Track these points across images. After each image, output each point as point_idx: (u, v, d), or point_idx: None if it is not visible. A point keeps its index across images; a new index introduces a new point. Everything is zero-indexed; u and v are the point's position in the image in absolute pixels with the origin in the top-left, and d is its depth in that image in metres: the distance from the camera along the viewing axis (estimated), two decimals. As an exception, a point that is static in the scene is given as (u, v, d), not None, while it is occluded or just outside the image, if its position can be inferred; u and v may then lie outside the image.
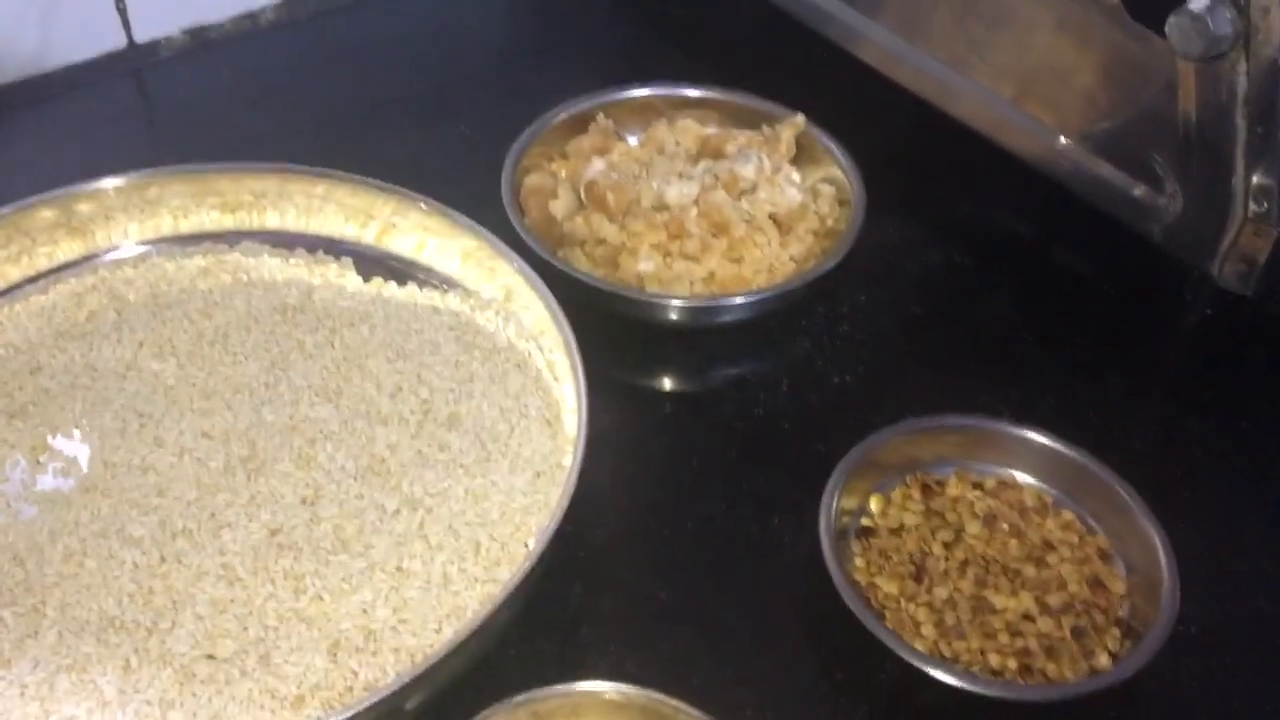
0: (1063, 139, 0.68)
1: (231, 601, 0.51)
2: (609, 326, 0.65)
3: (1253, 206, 0.61)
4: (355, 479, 0.56)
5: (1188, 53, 0.56)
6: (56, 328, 0.62)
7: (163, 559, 0.52)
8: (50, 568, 0.52)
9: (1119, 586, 0.55)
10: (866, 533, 0.57)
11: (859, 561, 0.56)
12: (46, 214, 0.64)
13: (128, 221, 0.66)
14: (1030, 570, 0.55)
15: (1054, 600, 0.54)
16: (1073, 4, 0.65)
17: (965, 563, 0.56)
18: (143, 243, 0.67)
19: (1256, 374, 0.67)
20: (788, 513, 0.58)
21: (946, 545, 0.57)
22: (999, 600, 0.54)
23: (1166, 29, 0.56)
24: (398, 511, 0.55)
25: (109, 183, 0.65)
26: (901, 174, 0.75)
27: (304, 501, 0.55)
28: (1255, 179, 0.60)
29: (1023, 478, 0.59)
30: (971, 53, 0.72)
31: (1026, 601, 0.54)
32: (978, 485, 0.59)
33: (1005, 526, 0.57)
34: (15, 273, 0.64)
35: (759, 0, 0.82)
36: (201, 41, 0.84)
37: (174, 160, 0.67)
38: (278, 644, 0.50)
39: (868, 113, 0.76)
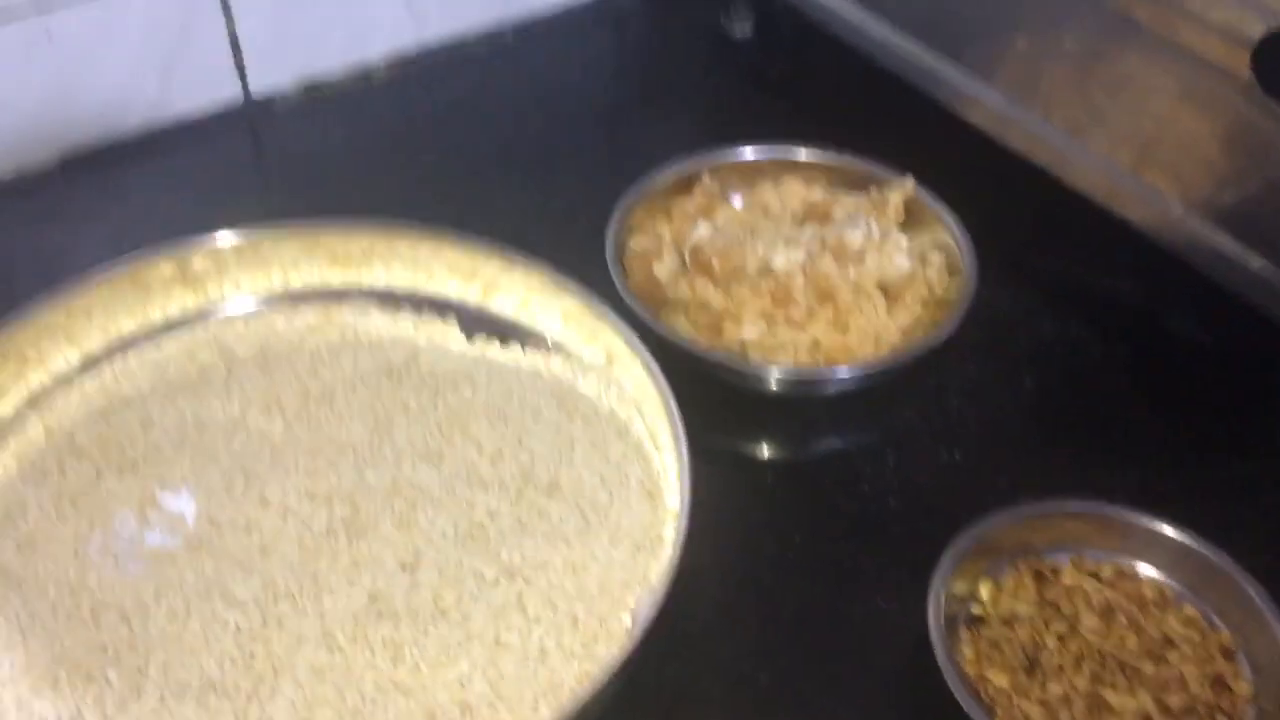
0: (1182, 208, 0.66)
1: (330, 669, 0.51)
2: (710, 394, 0.64)
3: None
4: (455, 545, 0.56)
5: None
6: (168, 382, 0.63)
7: (264, 622, 0.52)
8: (155, 626, 0.52)
9: (1245, 689, 0.53)
10: (976, 621, 0.55)
11: (968, 651, 0.54)
12: (163, 268, 0.65)
13: (240, 275, 0.67)
14: (1149, 668, 0.53)
15: (1174, 701, 0.52)
16: (1199, 72, 0.63)
17: (1080, 657, 0.53)
18: (253, 297, 0.67)
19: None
20: (894, 597, 0.57)
21: (1060, 638, 0.54)
22: (1115, 699, 0.52)
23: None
24: (496, 581, 0.54)
25: (224, 238, 0.66)
26: (1014, 242, 0.73)
27: (404, 567, 0.55)
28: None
29: (1142, 568, 0.57)
30: (1089, 119, 0.70)
31: (1145, 701, 0.52)
32: (1094, 574, 0.57)
33: (1123, 620, 0.55)
34: (130, 325, 0.65)
35: (866, 61, 0.81)
36: (315, 96, 0.86)
37: (286, 214, 0.68)
38: (375, 715, 0.49)
39: (978, 178, 0.74)
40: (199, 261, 0.66)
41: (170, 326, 0.66)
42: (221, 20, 0.80)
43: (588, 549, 0.56)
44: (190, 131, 0.82)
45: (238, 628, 0.52)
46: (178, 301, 0.66)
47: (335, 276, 0.68)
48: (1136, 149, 0.68)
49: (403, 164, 0.81)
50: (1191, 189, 0.66)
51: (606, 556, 0.56)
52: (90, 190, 0.78)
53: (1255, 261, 0.64)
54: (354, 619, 0.52)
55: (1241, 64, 0.60)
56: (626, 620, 0.53)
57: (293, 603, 0.53)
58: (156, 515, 0.57)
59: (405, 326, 0.67)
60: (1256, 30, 0.60)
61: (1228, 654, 0.54)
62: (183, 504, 0.58)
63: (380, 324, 0.67)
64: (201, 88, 0.82)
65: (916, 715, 0.53)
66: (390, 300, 0.68)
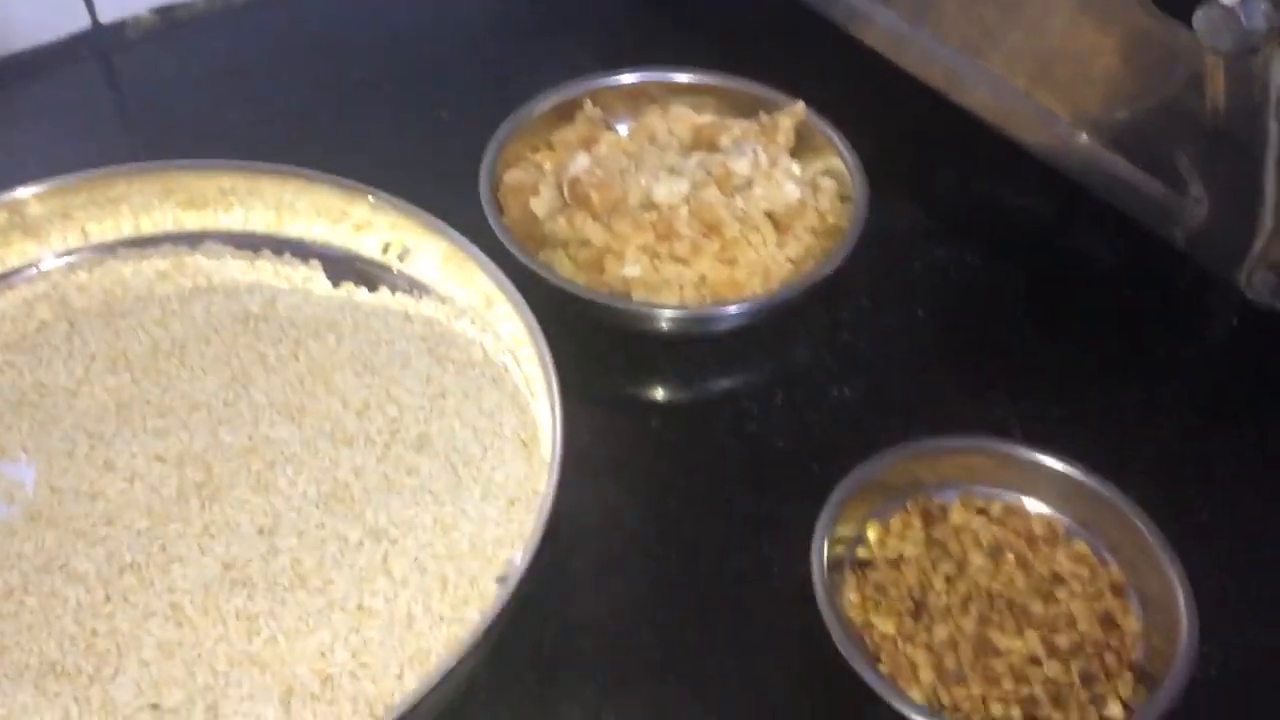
0: (1078, 132, 0.64)
1: (180, 644, 0.48)
2: (592, 335, 0.61)
3: (1284, 212, 0.57)
4: (316, 506, 0.53)
5: (1217, 47, 0.52)
6: (5, 340, 0.58)
7: (108, 597, 0.49)
8: (-13, 607, 0.49)
9: (1134, 625, 0.52)
10: (863, 565, 0.54)
11: (854, 597, 0.52)
12: (-4, 216, 0.60)
13: (86, 221, 0.62)
14: (1038, 607, 0.52)
15: (1063, 641, 0.51)
16: (1093, -13, 0.61)
17: (968, 598, 0.52)
18: (100, 244, 0.63)
19: (1284, 390, 0.63)
20: (780, 540, 0.55)
21: (948, 579, 0.53)
22: (1003, 641, 0.51)
23: (1194, 21, 0.52)
24: (360, 543, 0.51)
25: (63, 181, 0.61)
26: (907, 167, 0.71)
27: (261, 532, 0.51)
28: (1287, 183, 0.56)
29: (1031, 504, 0.56)
30: (983, 39, 0.67)
31: (1033, 642, 0.50)
32: (983, 511, 0.55)
33: (1011, 558, 0.53)
34: (-39, 279, 0.60)
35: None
36: (171, 21, 0.80)
37: (141, 150, 0.64)
38: (227, 692, 0.47)
39: (872, 101, 0.71)
40: (37, 207, 0.61)
41: (6, 278, 0.61)
42: (60, -60, 0.74)
43: (459, 506, 0.53)
44: (33, 64, 0.76)
45: (79, 604, 0.49)
46: (16, 250, 0.61)
47: (190, 220, 0.64)
48: (1031, 69, 0.66)
49: (266, 95, 0.76)
50: (1086, 110, 0.64)
51: (479, 513, 0.53)
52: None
53: (1151, 185, 0.62)
54: (205, 589, 0.49)
55: (1134, -23, 0.58)
56: (500, 581, 0.51)
57: (139, 574, 0.50)
58: (-8, 484, 0.53)
59: (264, 271, 0.63)
60: (1150, -59, 0.57)
61: (1117, 590, 0.53)
62: (20, 471, 0.54)
63: (238, 269, 0.62)
64: (44, 15, 0.76)
65: (804, 665, 0.52)
66: (249, 244, 0.63)
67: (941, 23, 0.69)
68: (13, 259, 0.61)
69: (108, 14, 0.78)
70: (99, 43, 0.78)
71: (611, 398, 0.63)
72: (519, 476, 0.54)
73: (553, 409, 0.52)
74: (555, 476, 0.50)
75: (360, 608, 0.49)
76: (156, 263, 0.62)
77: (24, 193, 0.60)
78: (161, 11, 0.80)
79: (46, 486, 0.53)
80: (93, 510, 0.52)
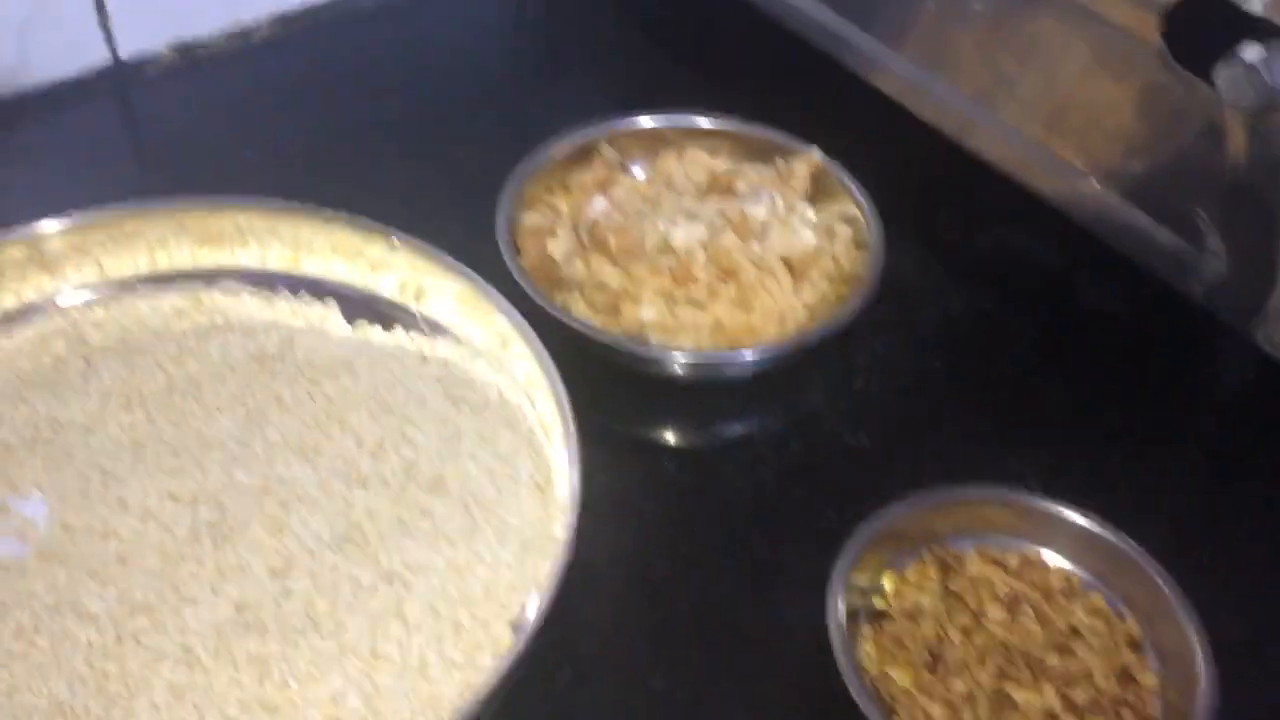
0: (1093, 182, 0.64)
1: (191, 687, 0.47)
2: (608, 378, 0.61)
3: (1302, 268, 0.57)
4: (330, 548, 0.52)
5: (1238, 104, 0.52)
6: (20, 375, 0.58)
7: (119, 638, 0.49)
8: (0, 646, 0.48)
9: (1151, 681, 0.51)
10: (879, 616, 0.53)
11: (870, 648, 0.52)
12: (13, 251, 0.60)
13: (102, 257, 0.63)
14: (1055, 661, 0.51)
15: (1080, 695, 0.50)
16: (1109, 39, 0.61)
17: (985, 651, 0.52)
18: (117, 281, 0.63)
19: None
20: (795, 590, 0.54)
21: (965, 631, 0.52)
22: (1021, 695, 0.50)
23: (1215, 78, 0.52)
24: (374, 587, 0.51)
25: (83, 217, 0.61)
26: (923, 214, 0.71)
27: (273, 573, 0.51)
28: (1307, 239, 0.56)
29: (1049, 556, 0.55)
30: (999, 87, 0.67)
31: (1050, 697, 0.50)
32: (999, 563, 0.55)
33: (1029, 611, 0.53)
34: (-22, 313, 0.60)
35: (774, 26, 0.78)
36: (190, 59, 0.80)
37: (159, 186, 0.64)
38: (238, 738, 0.46)
39: (888, 148, 0.71)
40: (55, 243, 0.61)
41: (24, 314, 0.61)
42: (82, -25, 0.74)
43: (473, 550, 0.52)
44: (53, 98, 0.76)
45: (89, 644, 0.48)
46: (32, 285, 0.61)
47: (206, 257, 0.64)
48: (1046, 118, 0.66)
49: (284, 133, 0.77)
50: (1101, 160, 0.64)
51: (493, 557, 0.52)
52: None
53: (1168, 237, 0.62)
54: (217, 632, 0.49)
55: (1153, 31, 0.58)
56: (513, 626, 0.50)
57: (151, 615, 0.49)
58: (5, 521, 0.53)
59: (281, 310, 0.62)
60: (1168, -4, 0.58)
61: (1134, 645, 0.52)
62: (34, 509, 0.53)
63: (253, 307, 0.62)
64: (65, 51, 0.76)
65: (819, 717, 0.51)
66: (265, 282, 0.63)
67: (957, 72, 0.69)
68: (30, 294, 0.61)
69: (128, 50, 0.78)
70: (119, 79, 0.78)
71: (626, 441, 0.62)
72: (533, 520, 0.54)
73: (568, 452, 0.52)
74: (571, 523, 0.49)
75: (373, 653, 0.49)
76: (173, 300, 0.62)
77: (42, 228, 0.60)
78: (181, 49, 0.80)
79: (59, 524, 0.53)
80: (105, 549, 0.52)
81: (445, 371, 0.60)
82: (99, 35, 0.77)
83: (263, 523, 0.53)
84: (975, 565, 0.55)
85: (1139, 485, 0.60)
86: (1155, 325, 0.66)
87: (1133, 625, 0.53)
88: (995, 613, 0.53)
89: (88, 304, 0.62)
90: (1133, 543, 0.53)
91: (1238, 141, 0.55)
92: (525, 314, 0.58)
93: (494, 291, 0.59)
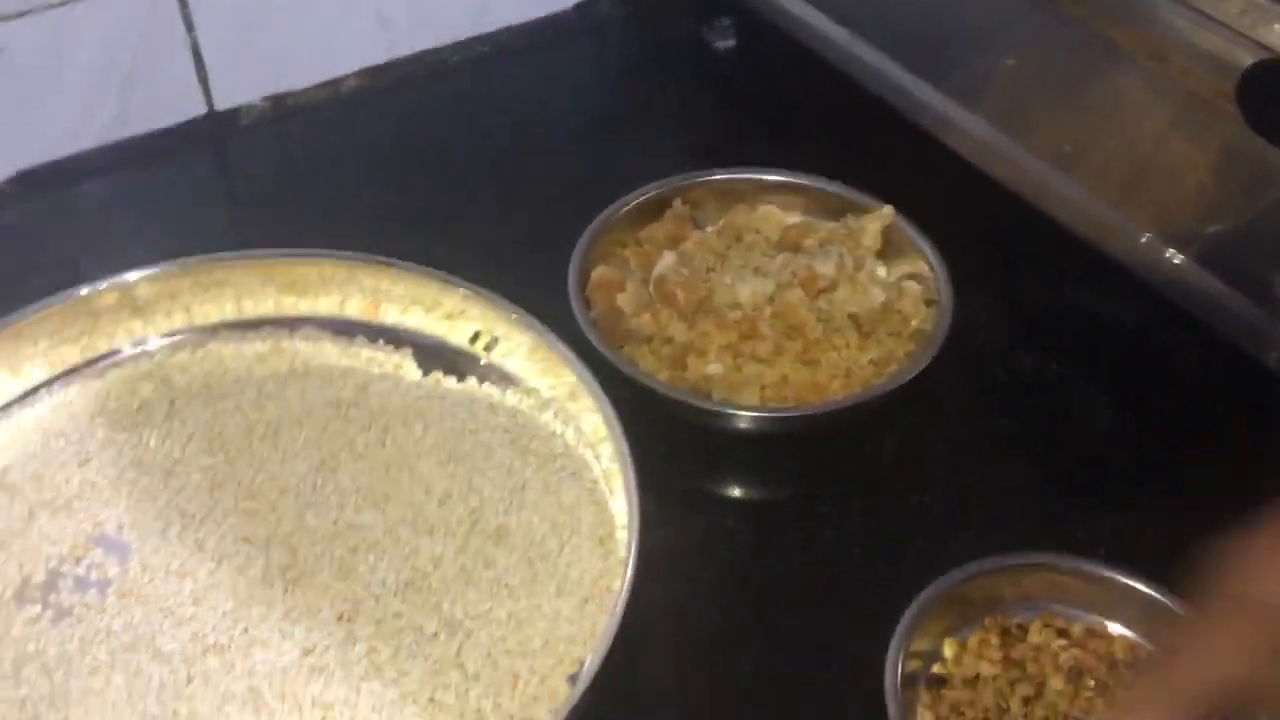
0: (1167, 247, 0.63)
1: (256, 729, 0.49)
2: (672, 431, 0.62)
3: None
4: (395, 595, 0.53)
5: (1314, 172, 0.51)
6: (109, 415, 0.61)
7: (189, 678, 0.50)
8: (76, 681, 0.50)
9: (1216, 759, 0.50)
10: (938, 682, 0.53)
11: (928, 715, 0.52)
12: (109, 298, 0.63)
13: (190, 302, 0.65)
14: (1117, 735, 0.50)
15: (1143, 771, 0.49)
16: (1185, 104, 0.61)
17: (1045, 723, 0.51)
18: (203, 326, 0.65)
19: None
20: (853, 653, 0.54)
21: (1026, 700, 0.52)
22: (1081, 769, 0.50)
23: (1289, 145, 0.51)
24: (435, 635, 0.52)
25: (171, 265, 0.64)
26: (993, 273, 0.70)
27: (340, 618, 0.53)
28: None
29: (1114, 627, 0.54)
30: (1073, 149, 0.67)
31: (1112, 772, 0.49)
32: (1064, 633, 0.54)
33: (1091, 682, 0.52)
34: (74, 355, 0.63)
35: (849, 82, 0.79)
36: (282, 109, 0.83)
37: (248, 233, 0.66)
38: (299, 779, 0.47)
39: (960, 207, 0.71)
40: (145, 289, 0.64)
41: (115, 356, 0.64)
42: (183, 31, 0.77)
43: (533, 601, 0.53)
44: (151, 147, 0.79)
45: (162, 683, 0.50)
46: (124, 330, 0.64)
47: (290, 304, 0.66)
48: (1120, 181, 0.66)
49: (366, 183, 0.79)
50: (1175, 224, 0.63)
51: (553, 609, 0.53)
52: (45, 210, 0.76)
53: (1240, 302, 0.61)
54: (284, 675, 0.50)
55: (1229, 96, 0.57)
56: (570, 680, 0.51)
57: (221, 656, 0.51)
58: (89, 559, 0.55)
59: (358, 357, 0.64)
60: (1245, 61, 0.57)
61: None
62: (117, 547, 0.55)
63: (332, 354, 0.64)
64: (163, 102, 0.79)
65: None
66: (345, 330, 0.65)
67: (1032, 133, 0.69)
68: (121, 338, 0.64)
69: (223, 101, 0.81)
70: (213, 129, 0.82)
71: (689, 495, 0.63)
72: (594, 574, 0.55)
73: (630, 507, 0.53)
74: (629, 578, 0.50)
75: (432, 700, 0.50)
76: (256, 345, 0.64)
77: (134, 276, 0.63)
78: (274, 99, 0.83)
79: (139, 564, 0.55)
80: (181, 589, 0.54)
81: (513, 422, 0.61)
82: (197, 87, 0.80)
83: (331, 568, 0.54)
84: (1038, 634, 0.54)
85: (1209, 556, 0.58)
86: (1230, 392, 0.65)
87: (1200, 702, 0.52)
88: (1057, 683, 0.52)
89: (174, 348, 0.64)
90: (1201, 616, 0.52)
91: (1315, 210, 0.54)
92: (593, 366, 0.59)
93: (563, 345, 0.60)
